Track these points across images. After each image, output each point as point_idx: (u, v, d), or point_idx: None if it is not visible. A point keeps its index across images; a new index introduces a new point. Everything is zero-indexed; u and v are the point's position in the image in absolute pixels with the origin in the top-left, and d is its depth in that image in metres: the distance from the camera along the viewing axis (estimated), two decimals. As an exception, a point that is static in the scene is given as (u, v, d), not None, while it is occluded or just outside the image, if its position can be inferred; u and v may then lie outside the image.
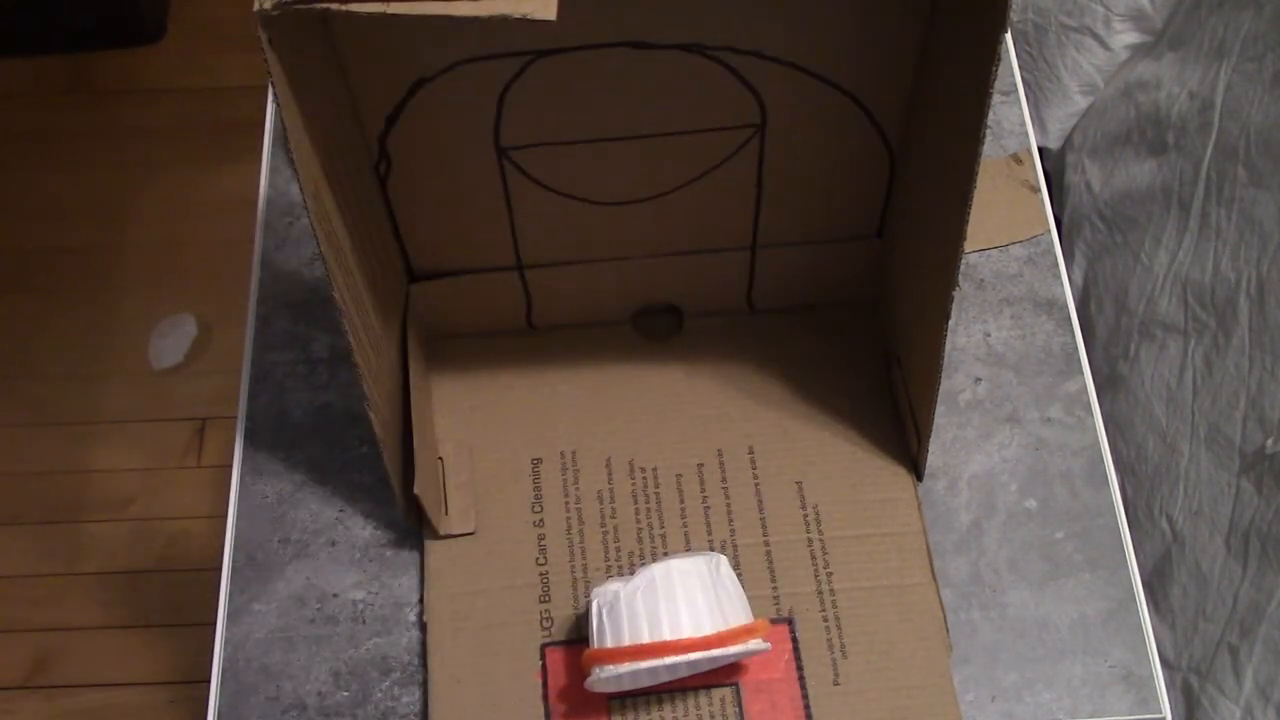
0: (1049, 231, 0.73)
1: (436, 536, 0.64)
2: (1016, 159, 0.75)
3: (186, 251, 1.53)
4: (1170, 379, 0.96)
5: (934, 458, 0.66)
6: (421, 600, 0.62)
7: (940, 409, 0.66)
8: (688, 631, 0.55)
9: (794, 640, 0.60)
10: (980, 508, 0.65)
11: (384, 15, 0.41)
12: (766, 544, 0.63)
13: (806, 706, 0.59)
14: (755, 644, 0.56)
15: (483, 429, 0.67)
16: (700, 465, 0.66)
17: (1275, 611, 0.81)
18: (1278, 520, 0.82)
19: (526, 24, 0.40)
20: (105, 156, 1.60)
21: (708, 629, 0.55)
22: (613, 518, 0.64)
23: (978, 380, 0.69)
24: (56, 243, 1.54)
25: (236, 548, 0.64)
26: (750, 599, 0.59)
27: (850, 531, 0.63)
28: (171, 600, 1.32)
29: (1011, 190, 0.74)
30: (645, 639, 0.54)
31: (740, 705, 0.59)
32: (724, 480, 0.65)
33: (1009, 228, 0.73)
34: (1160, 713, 0.59)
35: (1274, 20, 0.93)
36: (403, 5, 0.41)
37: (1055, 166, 1.26)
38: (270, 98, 0.78)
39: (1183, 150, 1.02)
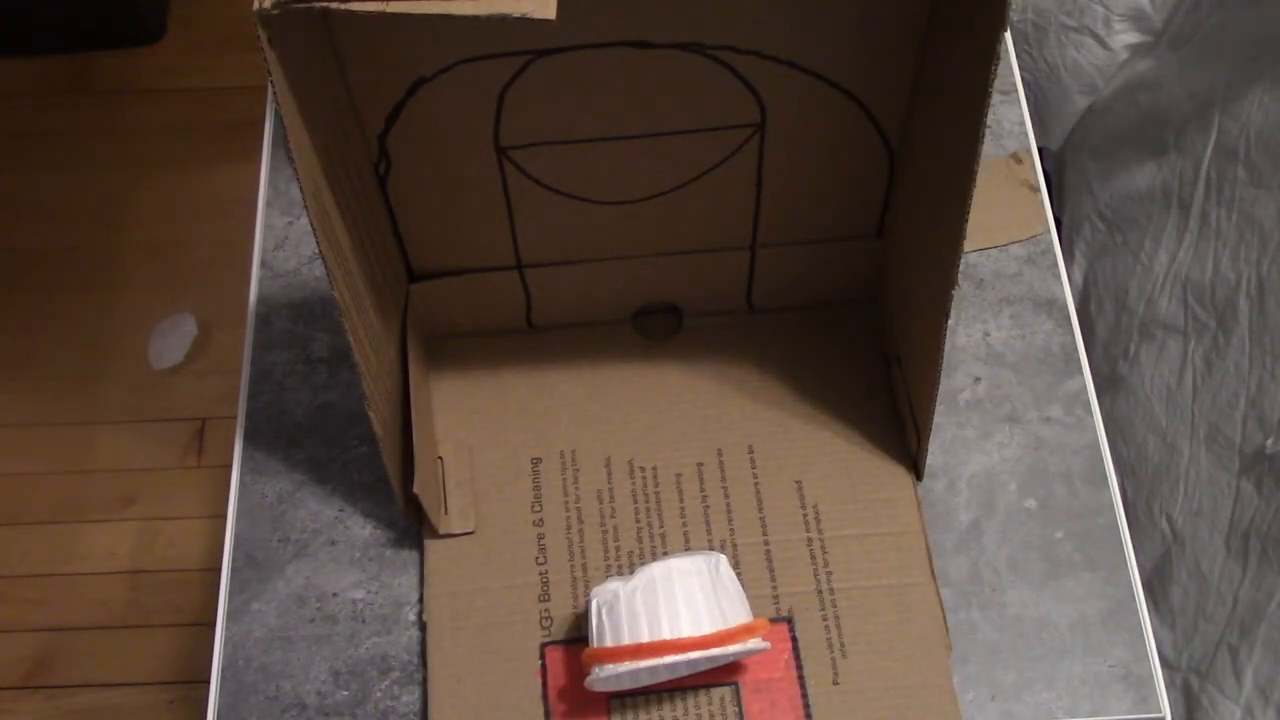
0: (1049, 231, 0.73)
1: (436, 536, 0.64)
2: (1016, 159, 0.75)
3: (186, 251, 1.53)
4: (1170, 379, 0.96)
5: (933, 457, 0.66)
6: (421, 599, 0.62)
7: (940, 408, 0.66)
8: (687, 631, 0.55)
9: (793, 639, 0.60)
10: (980, 507, 0.65)
11: (384, 14, 0.41)
12: (766, 543, 0.63)
13: (806, 706, 0.59)
14: (755, 643, 0.56)
15: (483, 429, 0.67)
16: (700, 465, 0.66)
17: (1275, 611, 0.81)
18: (1278, 520, 0.82)
19: (526, 23, 0.40)
20: (105, 156, 1.60)
21: (707, 628, 0.55)
22: (612, 517, 0.64)
23: (977, 380, 0.69)
24: (56, 243, 1.54)
25: (236, 547, 0.64)
26: (750, 598, 0.59)
27: (850, 531, 0.63)
28: (171, 600, 1.32)
29: (1011, 190, 0.74)
30: (645, 638, 0.55)
31: (740, 704, 0.59)
32: (723, 480, 0.65)
33: (1009, 227, 0.73)
34: (1160, 712, 0.59)
35: (1274, 20, 0.93)
36: (402, 4, 0.41)
37: (1055, 166, 1.26)
38: (270, 98, 0.78)
39: (1183, 150, 1.02)
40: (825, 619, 0.61)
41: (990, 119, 0.58)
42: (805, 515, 0.64)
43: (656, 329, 0.70)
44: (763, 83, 0.56)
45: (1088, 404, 0.68)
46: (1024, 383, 0.68)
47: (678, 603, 0.55)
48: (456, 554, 0.63)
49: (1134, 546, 0.64)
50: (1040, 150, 1.14)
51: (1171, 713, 0.60)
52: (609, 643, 0.56)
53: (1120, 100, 1.14)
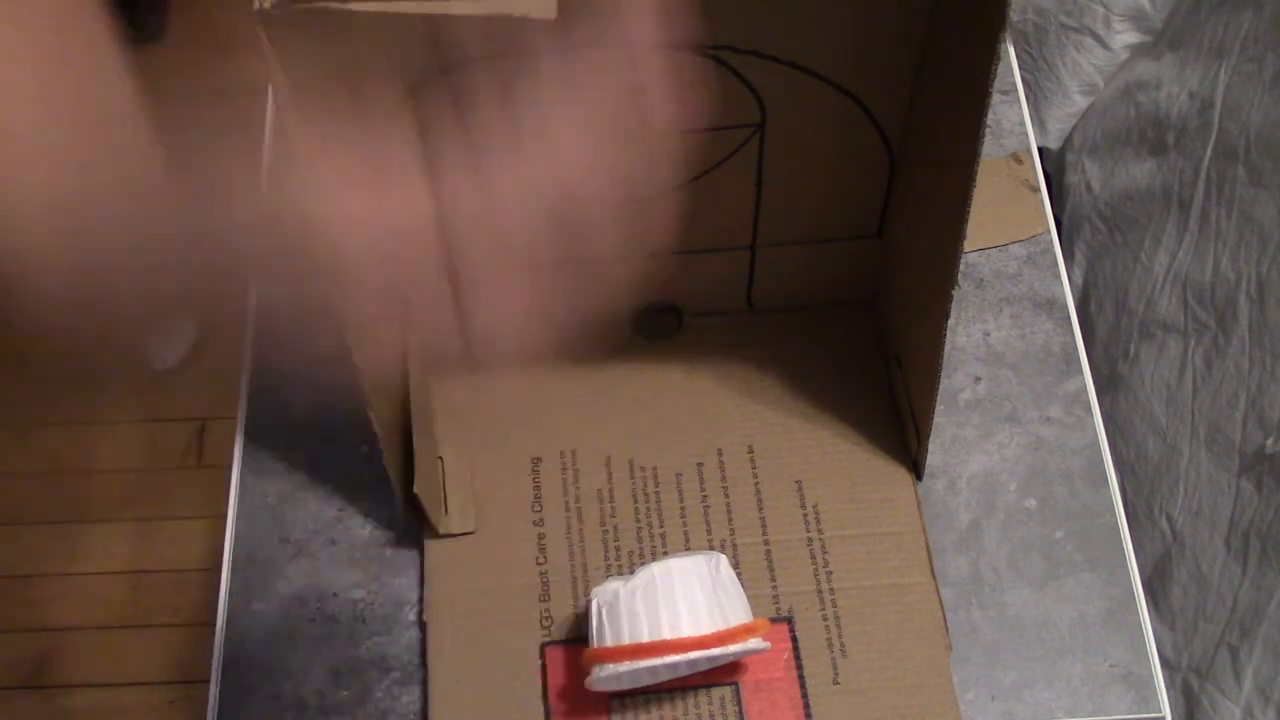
0: (1049, 231, 0.73)
1: (436, 536, 0.63)
2: (1016, 159, 0.75)
3: (186, 251, 1.53)
4: (1170, 379, 0.96)
5: (934, 457, 0.66)
6: (421, 599, 0.62)
7: (940, 408, 0.66)
8: (687, 631, 0.55)
9: (794, 639, 0.60)
10: (980, 507, 0.65)
11: (384, 14, 0.41)
12: (766, 543, 0.63)
13: (806, 705, 0.59)
14: (755, 643, 0.56)
15: (483, 429, 0.67)
16: (700, 464, 0.66)
17: (1275, 611, 0.81)
18: (1278, 520, 0.82)
19: (526, 23, 0.40)
20: (105, 156, 1.60)
21: (707, 628, 0.55)
22: (612, 517, 0.64)
23: (977, 380, 0.69)
24: (56, 243, 1.54)
25: (236, 547, 0.64)
26: (750, 598, 0.59)
27: (850, 531, 0.63)
28: (171, 600, 1.32)
29: (1011, 190, 0.74)
30: (645, 638, 0.54)
31: (740, 704, 0.59)
32: (724, 479, 0.65)
33: (1009, 227, 0.73)
34: (1160, 712, 0.59)
35: (1274, 20, 0.93)
36: (402, 4, 0.41)
37: (1055, 166, 1.26)
38: (270, 98, 0.78)
39: (1183, 150, 1.02)
40: (825, 619, 0.61)
41: (990, 119, 0.58)
42: (805, 515, 0.64)
43: (656, 329, 0.70)
44: (763, 83, 0.56)
45: (1088, 404, 0.68)
46: (1024, 383, 0.68)
47: (678, 603, 0.55)
48: (456, 554, 0.63)
49: (1134, 546, 0.64)
50: (1040, 150, 1.14)
51: (1171, 713, 0.60)
52: (609, 643, 0.56)
53: (1120, 100, 1.14)
